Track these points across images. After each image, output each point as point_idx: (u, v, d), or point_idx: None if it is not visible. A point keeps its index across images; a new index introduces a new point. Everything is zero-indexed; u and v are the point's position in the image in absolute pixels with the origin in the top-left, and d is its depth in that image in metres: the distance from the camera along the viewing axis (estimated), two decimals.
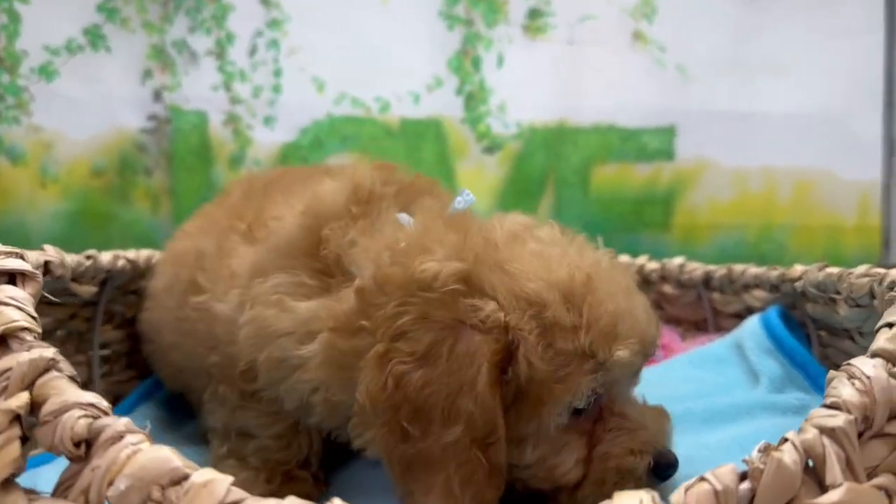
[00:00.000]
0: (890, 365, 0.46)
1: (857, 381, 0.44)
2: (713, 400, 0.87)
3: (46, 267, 0.74)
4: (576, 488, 0.59)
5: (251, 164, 1.62)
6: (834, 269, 0.85)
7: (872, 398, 0.43)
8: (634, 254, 1.31)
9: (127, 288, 0.98)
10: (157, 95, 1.62)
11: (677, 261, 1.15)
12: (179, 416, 0.93)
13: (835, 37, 1.62)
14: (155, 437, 0.41)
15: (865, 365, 0.45)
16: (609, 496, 0.39)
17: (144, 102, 1.62)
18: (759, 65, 1.62)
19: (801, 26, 1.62)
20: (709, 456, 0.73)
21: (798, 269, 0.94)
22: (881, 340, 0.48)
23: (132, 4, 1.59)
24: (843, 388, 0.44)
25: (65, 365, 0.44)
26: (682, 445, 0.77)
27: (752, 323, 0.97)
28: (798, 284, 0.92)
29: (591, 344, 0.55)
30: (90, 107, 1.58)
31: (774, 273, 0.98)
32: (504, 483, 0.55)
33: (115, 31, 1.59)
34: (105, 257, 0.90)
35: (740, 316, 1.05)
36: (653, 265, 1.18)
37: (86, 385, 0.94)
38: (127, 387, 0.99)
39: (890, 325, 0.50)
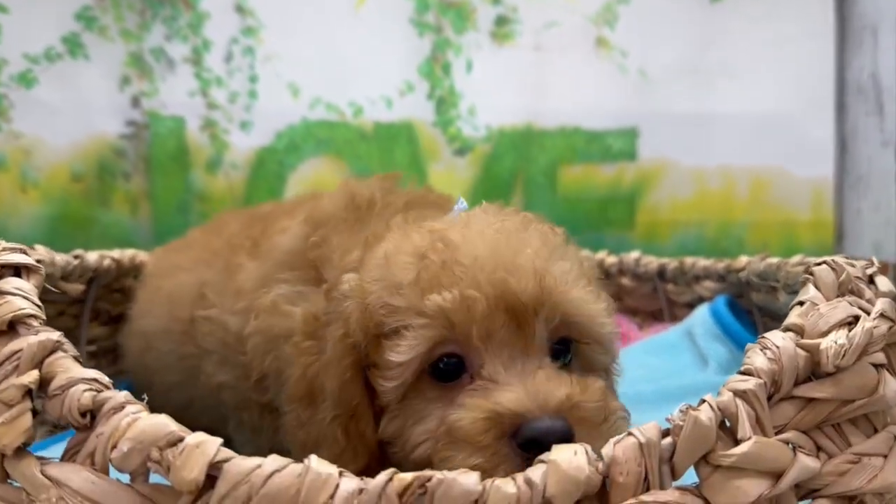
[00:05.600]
0: (798, 337, 0.53)
1: (768, 351, 0.51)
2: (664, 383, 0.93)
3: None
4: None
5: (228, 169, 1.66)
6: (774, 259, 0.92)
7: (780, 366, 0.50)
8: (599, 250, 1.37)
9: (112, 286, 1.03)
10: (136, 102, 1.66)
11: (634, 255, 1.22)
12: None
13: (788, 42, 1.69)
14: None
15: (776, 337, 0.52)
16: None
17: (123, 108, 1.65)
18: (716, 69, 1.70)
19: (757, 32, 1.69)
20: None
21: (743, 259, 1.01)
22: (792, 316, 0.55)
23: (110, 13, 1.63)
24: (756, 358, 0.50)
25: (69, 346, 0.49)
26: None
27: (702, 311, 1.04)
28: (742, 274, 0.99)
29: (418, 297, 0.52)
30: (69, 113, 1.62)
31: (721, 264, 1.05)
32: (371, 458, 0.53)
33: (94, 39, 1.63)
34: (91, 257, 0.95)
35: (692, 306, 1.12)
36: (612, 259, 1.25)
37: None
38: (113, 382, 1.03)
39: (801, 304, 0.57)
